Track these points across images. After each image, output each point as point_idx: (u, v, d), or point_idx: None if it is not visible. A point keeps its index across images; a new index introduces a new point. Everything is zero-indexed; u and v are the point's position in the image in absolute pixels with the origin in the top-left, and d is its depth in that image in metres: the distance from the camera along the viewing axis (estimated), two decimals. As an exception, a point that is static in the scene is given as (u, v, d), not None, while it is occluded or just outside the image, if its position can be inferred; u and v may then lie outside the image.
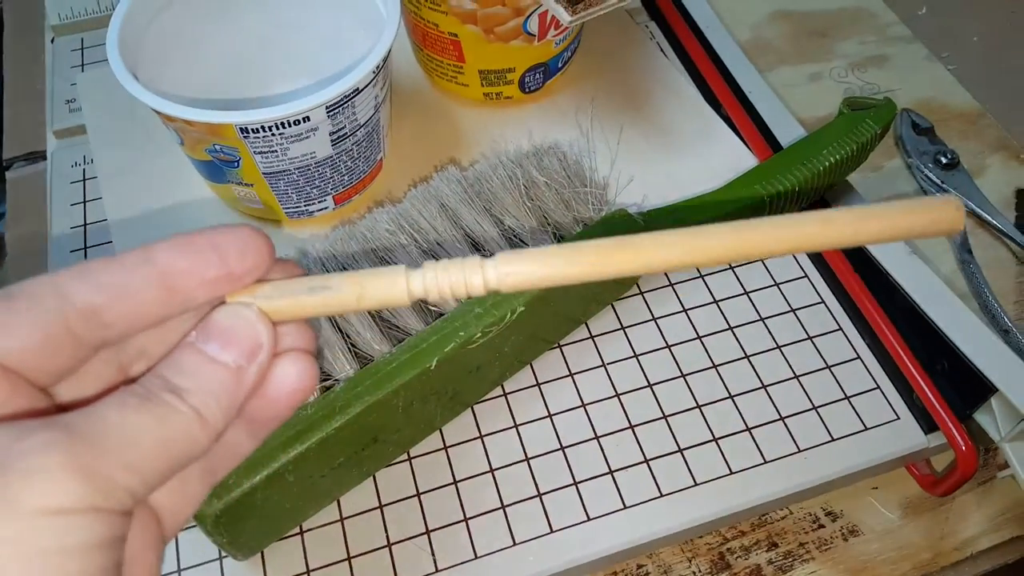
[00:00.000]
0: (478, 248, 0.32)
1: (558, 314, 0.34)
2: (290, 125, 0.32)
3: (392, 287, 0.20)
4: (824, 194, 0.38)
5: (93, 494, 0.15)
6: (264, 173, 0.34)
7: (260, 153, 0.33)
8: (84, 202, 0.40)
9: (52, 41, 0.48)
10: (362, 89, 0.33)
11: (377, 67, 0.33)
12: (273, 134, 0.32)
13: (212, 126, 0.31)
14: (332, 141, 0.34)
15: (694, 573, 0.33)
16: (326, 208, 0.38)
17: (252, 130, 0.32)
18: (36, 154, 0.45)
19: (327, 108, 0.32)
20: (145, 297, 0.18)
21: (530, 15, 0.37)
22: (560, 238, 0.33)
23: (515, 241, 0.33)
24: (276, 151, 0.33)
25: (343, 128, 0.34)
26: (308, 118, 0.32)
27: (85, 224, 0.39)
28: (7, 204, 0.44)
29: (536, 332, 0.33)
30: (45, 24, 0.48)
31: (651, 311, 0.36)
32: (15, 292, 0.17)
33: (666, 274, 0.37)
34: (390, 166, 0.40)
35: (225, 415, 0.18)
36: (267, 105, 0.31)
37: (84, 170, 0.41)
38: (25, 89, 0.48)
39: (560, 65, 0.42)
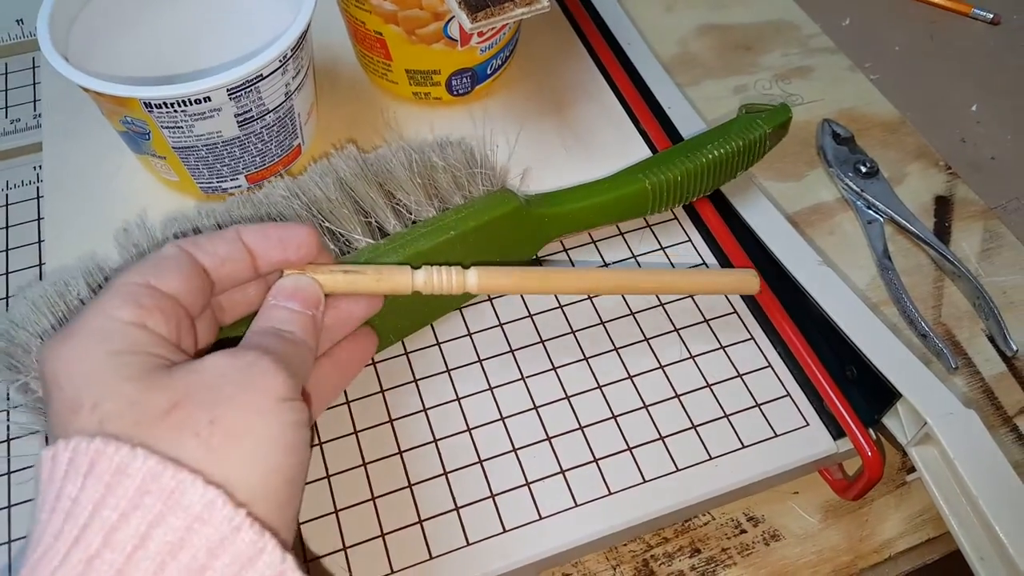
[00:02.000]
0: (366, 215, 0.34)
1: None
2: (191, 103, 0.34)
3: (403, 277, 0.30)
4: (721, 186, 0.40)
5: (296, 388, 0.24)
6: (173, 147, 0.36)
7: (167, 128, 0.35)
8: (6, 227, 0.40)
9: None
10: (267, 76, 0.35)
11: (283, 56, 0.34)
12: (176, 111, 0.34)
13: (119, 99, 0.33)
14: (239, 123, 0.36)
15: (618, 581, 0.33)
16: (239, 187, 0.39)
17: (156, 105, 0.33)
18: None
19: (228, 91, 0.34)
20: (238, 264, 0.27)
21: (450, 20, 0.38)
22: (444, 211, 0.34)
23: (402, 212, 0.34)
24: (182, 127, 0.35)
25: (249, 111, 0.36)
26: (209, 98, 0.34)
27: (7, 248, 0.39)
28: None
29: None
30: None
31: (570, 324, 0.37)
32: (167, 254, 0.25)
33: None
34: (318, 152, 0.41)
35: (316, 344, 0.27)
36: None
37: (7, 195, 0.41)
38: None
39: (489, 72, 0.43)
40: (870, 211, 0.44)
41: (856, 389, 0.34)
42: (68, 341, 0.23)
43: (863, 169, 0.45)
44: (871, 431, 0.33)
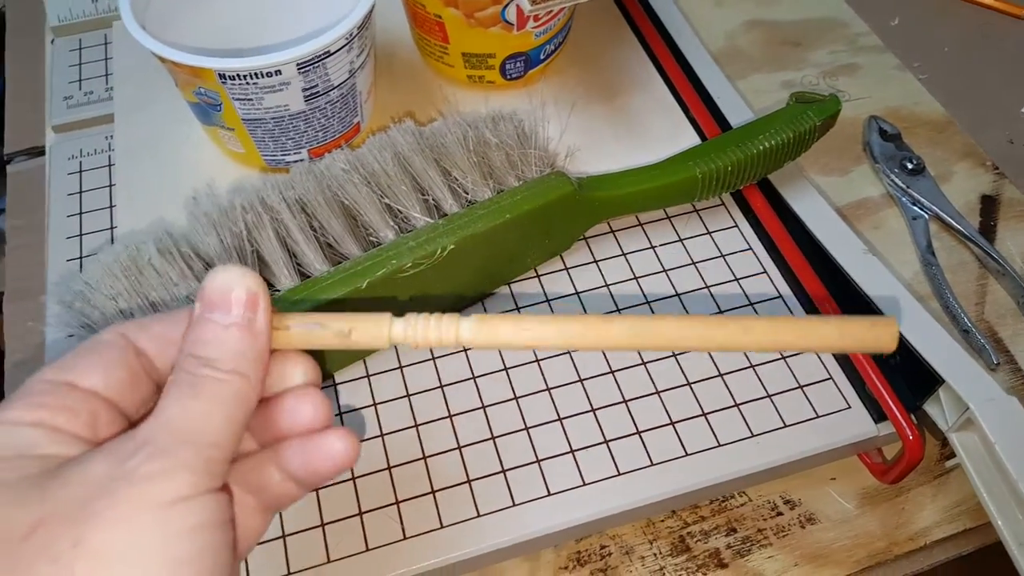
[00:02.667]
0: (423, 193, 0.35)
1: (499, 256, 0.36)
2: (263, 76, 0.35)
3: (378, 329, 0.23)
4: (768, 175, 0.40)
5: (200, 479, 0.19)
6: (243, 119, 0.37)
7: (238, 100, 0.36)
8: (80, 192, 0.42)
9: (52, 42, 0.50)
10: (334, 52, 0.36)
11: (349, 34, 0.36)
12: (248, 83, 0.35)
13: (195, 69, 0.35)
14: (305, 97, 0.37)
15: (655, 555, 0.34)
16: (302, 160, 0.41)
17: (229, 77, 0.35)
18: (35, 149, 0.47)
19: (298, 65, 0.35)
20: None
21: (508, 4, 0.39)
22: (500, 192, 0.36)
23: (458, 191, 0.35)
24: (252, 99, 0.36)
25: (316, 86, 0.37)
26: (280, 72, 0.35)
27: (81, 212, 0.41)
28: (7, 197, 0.46)
29: (482, 267, 0.36)
30: (45, 25, 0.50)
31: (616, 303, 0.38)
32: (99, 341, 0.22)
33: (633, 272, 0.39)
34: (374, 130, 0.42)
35: (258, 363, 0.21)
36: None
37: (80, 162, 0.43)
38: (26, 87, 0.50)
39: (543, 57, 0.44)
40: (915, 207, 0.44)
41: (898, 375, 0.35)
42: None
43: (909, 166, 0.45)
44: (912, 416, 0.34)
